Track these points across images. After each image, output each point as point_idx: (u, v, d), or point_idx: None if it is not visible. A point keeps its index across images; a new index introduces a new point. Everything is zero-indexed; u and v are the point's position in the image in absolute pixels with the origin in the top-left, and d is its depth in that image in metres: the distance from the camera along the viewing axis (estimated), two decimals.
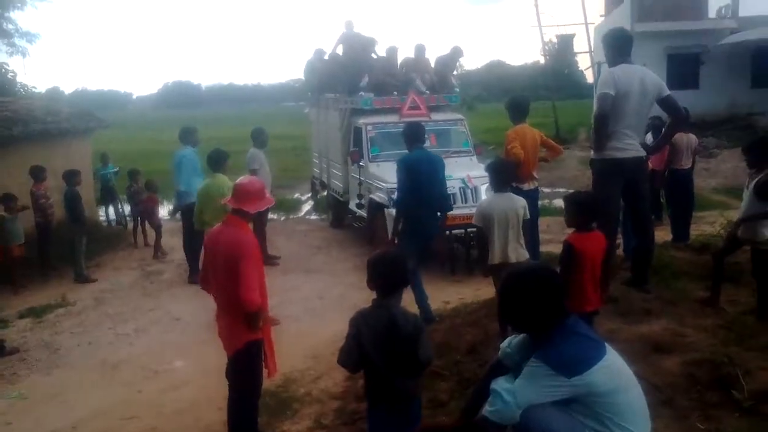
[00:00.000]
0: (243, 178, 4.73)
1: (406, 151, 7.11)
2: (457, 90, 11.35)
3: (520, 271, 3.04)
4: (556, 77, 40.82)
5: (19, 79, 21.90)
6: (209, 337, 7.13)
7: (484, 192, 8.59)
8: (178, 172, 9.35)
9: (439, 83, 11.62)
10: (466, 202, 8.97)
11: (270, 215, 11.27)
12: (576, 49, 41.72)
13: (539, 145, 7.43)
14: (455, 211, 7.97)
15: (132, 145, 28.62)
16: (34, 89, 23.13)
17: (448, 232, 8.06)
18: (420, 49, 11.93)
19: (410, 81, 11.29)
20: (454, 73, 12.74)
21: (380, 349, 3.33)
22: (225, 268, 4.30)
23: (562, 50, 51.05)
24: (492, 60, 75.00)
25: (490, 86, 64.41)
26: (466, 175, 9.21)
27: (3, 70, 21.09)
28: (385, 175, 9.51)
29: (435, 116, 10.64)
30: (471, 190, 9.12)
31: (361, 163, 10.26)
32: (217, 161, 8.00)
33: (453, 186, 8.62)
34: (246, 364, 4.45)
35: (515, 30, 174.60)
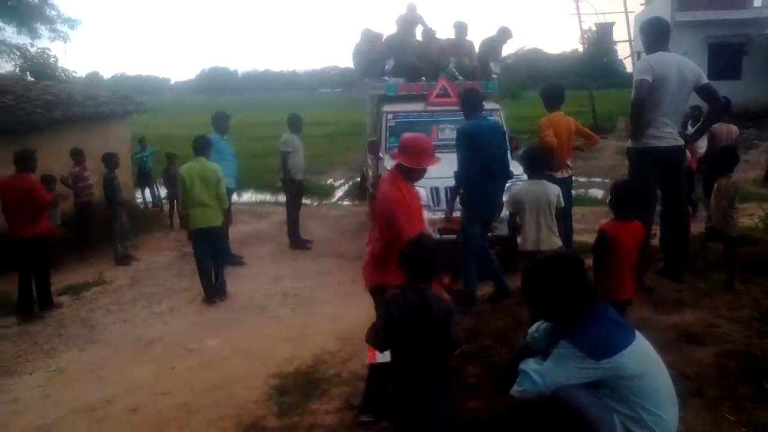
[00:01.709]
0: (407, 134, 4.87)
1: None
2: (495, 76, 9.91)
3: (544, 260, 3.02)
4: (594, 66, 40.24)
5: (60, 63, 22.34)
6: (241, 316, 7.30)
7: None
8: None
9: (481, 69, 10.32)
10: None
11: (304, 200, 11.31)
12: (615, 37, 41.07)
13: (574, 134, 7.34)
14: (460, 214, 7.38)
15: (169, 129, 28.94)
16: (74, 74, 23.54)
17: (456, 237, 7.20)
18: (460, 29, 10.69)
19: (443, 65, 10.19)
20: (502, 56, 11.47)
21: (411, 331, 3.35)
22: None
23: (601, 39, 50.27)
24: (530, 48, 74.00)
25: (531, 74, 63.70)
26: None
27: (45, 55, 21.52)
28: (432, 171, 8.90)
29: None
30: None
31: (380, 155, 9.29)
32: (202, 147, 8.12)
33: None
34: None
35: (553, 18, 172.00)
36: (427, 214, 7.18)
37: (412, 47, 10.68)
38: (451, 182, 7.17)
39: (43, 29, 19.77)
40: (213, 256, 8.01)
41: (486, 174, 6.55)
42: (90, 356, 6.45)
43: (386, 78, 10.03)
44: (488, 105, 9.76)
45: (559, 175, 6.94)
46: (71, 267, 9.69)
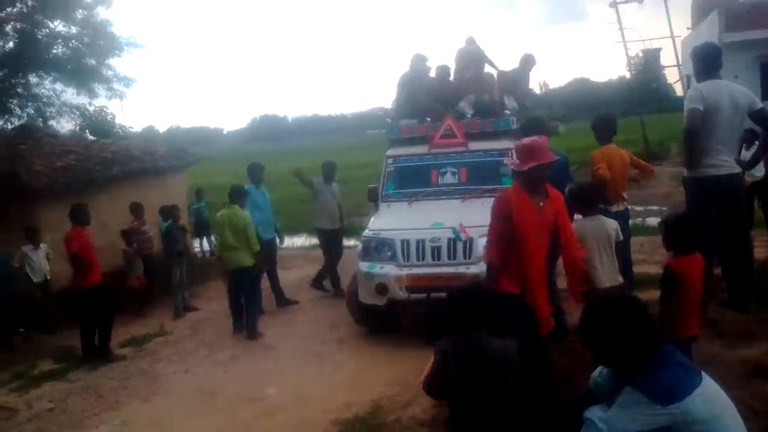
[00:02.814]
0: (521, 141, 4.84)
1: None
2: (507, 112, 8.74)
3: (603, 304, 2.92)
4: (643, 92, 39.73)
5: (117, 120, 23.30)
6: (299, 362, 7.33)
7: (482, 245, 6.69)
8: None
9: (501, 104, 9.28)
10: (453, 258, 7.15)
11: (345, 242, 11.30)
12: (663, 62, 40.46)
13: (629, 166, 7.21)
14: (437, 270, 7.09)
15: (223, 179, 29.66)
16: (131, 129, 24.53)
17: (426, 295, 6.96)
18: (479, 62, 9.74)
19: (453, 103, 9.12)
20: (528, 87, 10.59)
21: (467, 377, 3.30)
22: None
23: (648, 64, 49.69)
24: (576, 77, 73.68)
25: (574, 104, 63.35)
26: (459, 223, 7.19)
27: (103, 113, 22.48)
28: (386, 220, 7.97)
29: (475, 145, 8.37)
30: (463, 243, 7.18)
31: (377, 203, 8.64)
32: (235, 196, 8.82)
33: (439, 236, 7.20)
34: None
35: (599, 47, 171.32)
36: (394, 270, 7.19)
37: (424, 85, 9.47)
38: (430, 235, 7.16)
39: (100, 89, 20.66)
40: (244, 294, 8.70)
41: None
42: (153, 408, 6.55)
43: (388, 120, 9.41)
44: (497, 144, 8.45)
45: (614, 208, 6.80)
46: (134, 318, 9.91)
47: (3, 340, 9.02)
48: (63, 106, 21.05)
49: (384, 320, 7.78)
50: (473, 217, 7.19)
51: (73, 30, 20.02)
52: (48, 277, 9.52)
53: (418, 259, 7.23)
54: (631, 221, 8.19)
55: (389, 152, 8.82)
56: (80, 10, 19.62)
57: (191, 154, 15.19)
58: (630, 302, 2.88)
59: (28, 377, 7.76)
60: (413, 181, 8.40)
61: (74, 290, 8.30)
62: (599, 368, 3.09)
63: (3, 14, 18.77)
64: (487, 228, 4.76)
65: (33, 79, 20.09)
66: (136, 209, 10.67)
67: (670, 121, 34.93)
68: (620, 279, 5.46)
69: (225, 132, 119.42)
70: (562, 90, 69.82)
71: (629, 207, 7.47)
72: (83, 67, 19.92)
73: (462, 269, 6.96)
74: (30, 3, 18.68)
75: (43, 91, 20.51)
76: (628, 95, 39.22)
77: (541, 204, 4.58)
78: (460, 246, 7.12)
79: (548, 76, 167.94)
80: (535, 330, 4.49)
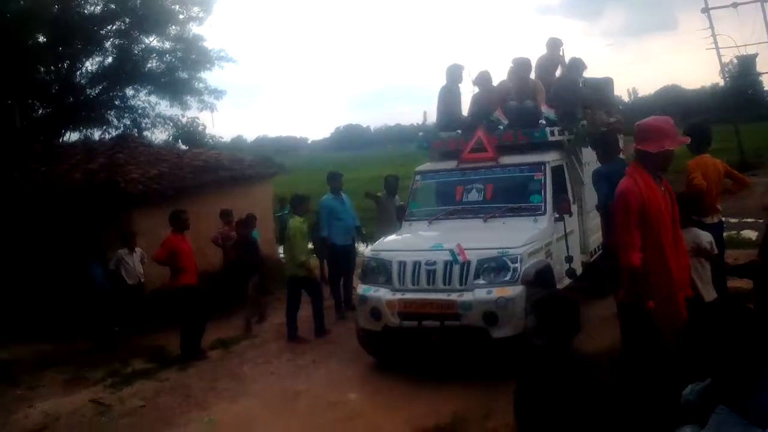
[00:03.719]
0: (644, 120, 4.37)
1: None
2: (542, 122, 7.91)
3: (722, 312, 2.72)
4: (738, 99, 38.03)
5: (207, 131, 24.14)
6: (382, 371, 7.36)
7: (481, 270, 6.48)
8: (319, 217, 9.93)
9: (561, 112, 8.39)
10: (448, 283, 6.51)
11: None
12: (759, 68, 38.67)
13: (723, 177, 6.89)
14: (428, 296, 6.54)
15: (306, 187, 30.19)
16: (221, 139, 25.41)
17: (419, 323, 6.52)
18: (521, 68, 8.71)
19: (488, 113, 8.48)
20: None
21: (552, 397, 3.19)
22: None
23: (743, 70, 47.50)
24: (666, 84, 71.03)
25: (665, 111, 61.14)
26: (457, 244, 6.50)
27: (194, 124, 23.36)
28: (393, 241, 7.62)
29: (507, 159, 7.78)
30: (460, 266, 6.51)
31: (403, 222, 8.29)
32: (296, 204, 9.28)
33: (435, 259, 6.61)
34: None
35: (690, 54, 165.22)
36: (387, 294, 6.73)
37: (459, 95, 9.01)
38: (427, 258, 6.64)
39: (192, 101, 21.49)
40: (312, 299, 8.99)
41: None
42: (240, 409, 6.72)
43: (420, 134, 9.11)
44: (529, 158, 7.79)
45: (708, 220, 6.51)
46: (222, 321, 10.19)
47: (99, 340, 9.49)
48: (157, 118, 22.02)
49: (383, 347, 7.21)
50: (486, 238, 6.87)
51: (167, 45, 20.98)
52: (142, 280, 9.96)
53: (413, 283, 6.69)
54: (725, 234, 7.84)
55: (418, 168, 8.48)
56: (174, 27, 20.52)
57: (277, 163, 15.56)
58: (744, 309, 2.70)
59: (121, 375, 8.12)
60: (439, 199, 8.12)
61: (167, 290, 8.68)
62: (691, 386, 2.95)
63: (103, 31, 19.80)
64: (619, 228, 4.29)
65: (129, 91, 21.16)
66: (226, 215, 11.00)
67: (767, 129, 33.28)
68: (714, 294, 5.22)
69: (309, 141, 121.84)
70: (651, 98, 67.53)
71: (723, 219, 7.16)
72: (176, 80, 20.80)
73: (454, 296, 6.40)
74: (128, 20, 19.62)
75: (138, 103, 21.55)
76: (722, 102, 37.62)
77: (662, 189, 4.30)
78: (456, 270, 6.49)
79: (637, 84, 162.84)
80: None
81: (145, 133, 21.25)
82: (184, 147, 19.44)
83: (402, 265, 6.80)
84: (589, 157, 8.43)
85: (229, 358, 8.49)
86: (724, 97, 37.14)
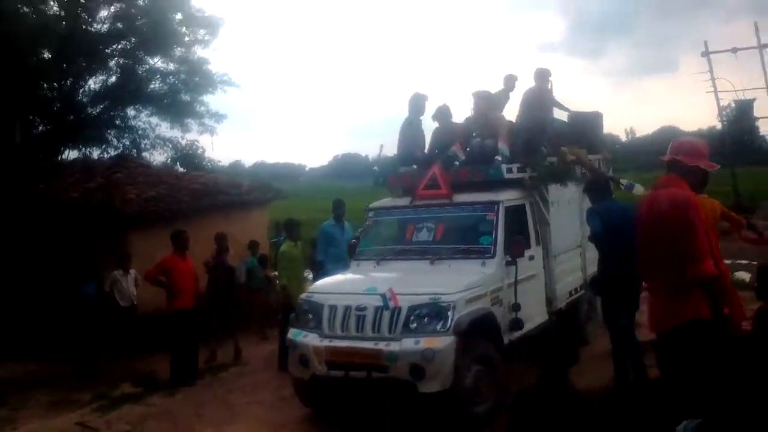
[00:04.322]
0: (680, 139, 4.62)
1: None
2: (498, 158, 7.46)
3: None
4: (735, 143, 38.29)
5: (206, 154, 24.10)
6: None
7: (411, 318, 6.00)
8: (318, 242, 9.82)
9: (523, 147, 7.90)
10: (377, 331, 6.06)
11: None
12: (757, 113, 39.02)
13: (719, 217, 6.92)
14: (355, 344, 6.08)
15: (304, 214, 30.21)
16: (219, 163, 25.30)
17: (345, 373, 6.06)
18: (482, 100, 8.32)
19: (446, 149, 8.08)
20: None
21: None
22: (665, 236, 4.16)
23: (741, 115, 47.97)
24: (664, 125, 71.45)
25: (663, 151, 61.46)
26: (389, 288, 6.00)
27: (194, 147, 23.34)
28: (330, 282, 7.25)
29: (461, 197, 7.38)
30: (390, 313, 6.03)
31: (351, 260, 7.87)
32: (290, 229, 9.45)
33: (365, 305, 6.18)
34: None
35: (689, 96, 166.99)
36: (314, 340, 6.28)
37: (419, 129, 8.59)
38: (357, 302, 6.19)
39: (193, 123, 21.46)
40: None
41: (623, 259, 5.88)
42: None
43: (375, 168, 8.72)
44: (483, 197, 7.31)
45: None
46: (212, 345, 10.10)
47: (87, 361, 9.39)
48: (157, 139, 21.91)
49: (314, 396, 6.74)
50: (423, 282, 6.47)
51: (171, 67, 21.00)
52: (134, 302, 9.90)
53: (342, 329, 6.26)
54: None
55: (372, 204, 8.15)
56: (179, 48, 20.59)
57: (275, 188, 15.57)
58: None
59: (109, 398, 8.07)
60: (389, 238, 7.74)
61: (161, 314, 8.66)
62: (684, 423, 2.89)
63: (108, 50, 19.89)
64: (696, 239, 4.16)
65: (131, 112, 21.09)
66: (221, 240, 10.96)
67: (762, 173, 33.51)
68: None
69: (308, 168, 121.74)
70: (648, 138, 67.98)
71: None
72: (178, 102, 20.81)
73: (381, 345, 5.91)
74: (134, 40, 19.72)
75: (139, 123, 21.47)
76: (719, 146, 37.88)
77: None
78: (386, 317, 6.03)
79: (635, 124, 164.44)
80: None
81: (144, 154, 21.17)
82: (182, 169, 19.43)
83: (333, 309, 6.36)
84: (557, 196, 8.08)
85: (217, 384, 8.44)
86: (721, 140, 37.41)
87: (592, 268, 8.58)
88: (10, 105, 16.69)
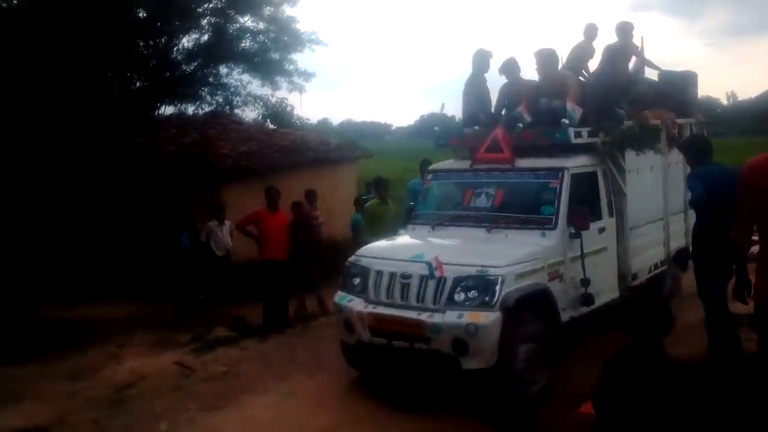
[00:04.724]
0: None
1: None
2: (566, 121, 6.74)
3: None
4: None
5: (295, 112, 24.52)
6: None
7: (457, 290, 5.68)
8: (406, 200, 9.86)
9: (594, 109, 7.26)
10: (422, 301, 5.79)
11: None
12: None
13: None
14: (398, 312, 5.85)
15: (390, 172, 30.37)
16: (307, 121, 25.75)
17: (388, 342, 5.89)
18: (547, 59, 7.54)
19: (508, 109, 7.60)
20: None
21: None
22: None
23: None
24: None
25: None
26: (435, 257, 5.76)
27: (283, 105, 23.80)
28: (381, 246, 6.89)
29: (524, 162, 6.86)
30: (435, 283, 5.74)
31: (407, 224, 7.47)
32: (378, 187, 9.48)
33: (410, 272, 5.91)
34: None
35: None
36: (359, 305, 6.11)
37: (484, 87, 8.03)
38: (403, 269, 5.94)
39: (282, 81, 21.86)
40: None
41: (723, 227, 5.35)
42: (316, 383, 6.86)
43: (436, 129, 8.24)
44: (548, 162, 6.77)
45: None
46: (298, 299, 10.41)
47: (183, 305, 9.89)
48: (248, 96, 22.47)
49: (360, 361, 6.61)
50: (474, 252, 6.11)
51: (261, 26, 21.33)
52: (230, 252, 10.28)
53: (387, 296, 6.03)
54: None
55: (432, 167, 7.87)
56: (268, 7, 20.87)
57: (362, 147, 15.73)
58: None
59: (205, 341, 8.43)
60: (447, 203, 7.37)
61: (253, 263, 9.01)
62: None
63: (200, 9, 20.38)
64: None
65: (223, 69, 21.64)
66: (310, 195, 11.19)
67: None
68: None
69: (393, 127, 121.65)
70: (752, 102, 63.90)
71: None
72: (268, 60, 21.18)
73: (424, 316, 5.67)
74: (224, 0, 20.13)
75: (231, 81, 22.02)
76: None
77: None
78: (431, 286, 5.76)
79: (737, 87, 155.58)
80: None
81: (236, 110, 21.76)
82: (272, 126, 19.88)
83: (379, 274, 6.14)
84: (637, 163, 7.42)
85: (307, 333, 8.68)
86: None
87: (677, 243, 8.26)
88: (109, 62, 17.38)
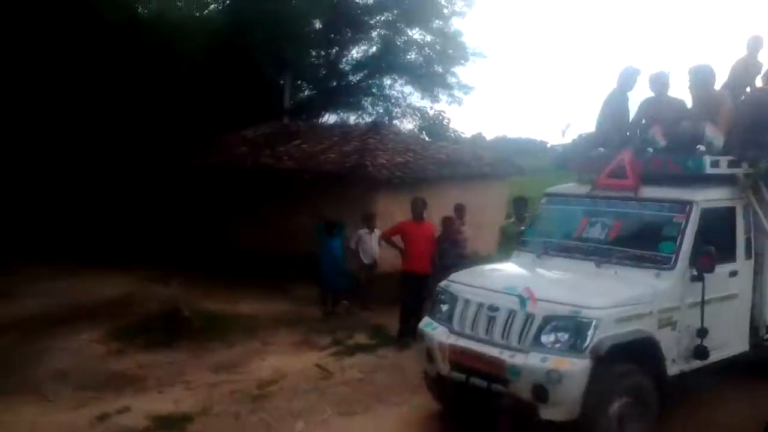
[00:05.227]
0: None
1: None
2: (701, 147, 6.00)
3: None
4: None
5: (450, 125, 24.71)
6: None
7: (546, 330, 5.16)
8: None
9: (739, 136, 6.41)
10: (506, 338, 5.32)
11: None
12: None
13: None
14: (480, 348, 5.41)
15: (539, 192, 29.74)
16: (462, 134, 25.84)
17: (466, 378, 5.46)
18: (703, 77, 6.73)
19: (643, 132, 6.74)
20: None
21: None
22: None
23: None
24: None
25: None
26: (525, 288, 5.34)
27: (440, 117, 24.05)
28: (479, 273, 6.49)
29: (649, 192, 6.17)
30: (524, 319, 5.27)
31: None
32: (515, 206, 9.26)
33: (499, 305, 5.45)
34: None
35: None
36: (442, 335, 5.70)
37: (626, 106, 7.33)
38: (492, 301, 5.47)
39: (442, 94, 22.08)
40: None
41: None
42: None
43: (560, 148, 7.74)
44: (675, 193, 6.04)
45: None
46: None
47: (330, 308, 10.27)
48: (407, 108, 22.94)
49: (439, 393, 6.20)
50: (573, 288, 5.62)
51: (428, 38, 21.68)
52: (377, 260, 10.52)
53: (471, 329, 5.60)
54: None
55: (549, 189, 7.27)
56: (437, 21, 21.15)
57: (516, 164, 15.53)
58: None
59: (345, 345, 8.68)
60: (560, 230, 6.70)
61: (397, 273, 9.16)
62: None
63: (372, 21, 21.04)
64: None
65: (387, 81, 22.23)
66: (459, 210, 11.20)
67: None
68: None
69: (549, 146, 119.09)
70: None
71: None
72: (431, 73, 21.49)
73: (506, 355, 5.19)
74: (395, 12, 20.64)
75: (393, 92, 22.58)
76: None
77: None
78: (518, 323, 5.27)
79: None
80: None
81: (395, 121, 22.28)
82: (427, 138, 20.13)
83: (466, 304, 5.73)
84: None
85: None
86: None
87: None
88: (283, 71, 18.39)
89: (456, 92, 21.99)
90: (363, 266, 10.53)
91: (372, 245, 10.46)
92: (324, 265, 10.32)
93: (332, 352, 8.46)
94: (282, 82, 18.52)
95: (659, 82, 7.02)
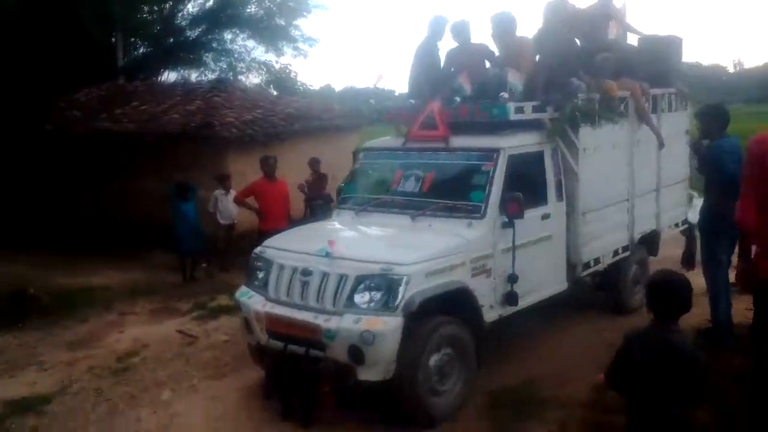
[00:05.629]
0: None
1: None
2: (504, 95, 5.94)
3: None
4: None
5: (298, 78, 24.49)
6: None
7: (359, 290, 5.00)
8: None
9: (543, 80, 6.45)
10: (320, 301, 5.13)
11: None
12: None
13: None
14: (294, 314, 5.21)
15: None
16: (310, 87, 25.67)
17: (285, 346, 5.22)
18: (504, 25, 6.81)
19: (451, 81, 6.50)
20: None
21: (651, 373, 3.18)
22: None
23: None
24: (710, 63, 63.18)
25: None
26: (329, 240, 5.31)
27: (287, 71, 23.71)
28: (294, 234, 6.43)
29: (458, 141, 6.07)
30: (336, 282, 5.11)
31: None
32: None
33: (312, 268, 5.24)
34: None
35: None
36: (257, 303, 5.49)
37: (436, 55, 7.11)
38: (304, 264, 5.29)
39: (287, 47, 21.74)
40: None
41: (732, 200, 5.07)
42: None
43: (371, 101, 7.58)
44: (483, 141, 6.00)
45: None
46: None
47: (189, 273, 9.98)
48: (252, 62, 22.38)
49: (266, 366, 5.75)
50: (383, 246, 5.61)
51: None
52: (234, 221, 10.31)
53: (286, 294, 5.38)
54: None
55: (365, 144, 7.22)
56: None
57: (366, 114, 15.60)
58: None
59: (207, 309, 8.49)
60: (375, 185, 6.54)
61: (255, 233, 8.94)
62: None
63: None
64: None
65: (228, 35, 21.48)
66: (315, 164, 11.17)
67: None
68: None
69: (396, 93, 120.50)
70: (759, 70, 61.94)
71: None
72: (273, 26, 21.02)
73: (321, 319, 5.00)
74: None
75: (235, 47, 21.88)
76: None
77: None
78: (331, 285, 5.08)
79: (743, 55, 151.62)
80: None
81: (240, 77, 21.69)
82: (275, 93, 19.80)
83: (281, 269, 5.48)
84: (594, 141, 6.60)
85: None
86: None
87: (646, 226, 7.66)
88: (113, 27, 17.25)
89: (301, 45, 21.73)
90: (221, 228, 10.28)
91: (228, 206, 10.23)
92: (179, 230, 9.99)
93: (195, 316, 8.26)
94: (114, 40, 17.39)
95: (459, 31, 6.98)
